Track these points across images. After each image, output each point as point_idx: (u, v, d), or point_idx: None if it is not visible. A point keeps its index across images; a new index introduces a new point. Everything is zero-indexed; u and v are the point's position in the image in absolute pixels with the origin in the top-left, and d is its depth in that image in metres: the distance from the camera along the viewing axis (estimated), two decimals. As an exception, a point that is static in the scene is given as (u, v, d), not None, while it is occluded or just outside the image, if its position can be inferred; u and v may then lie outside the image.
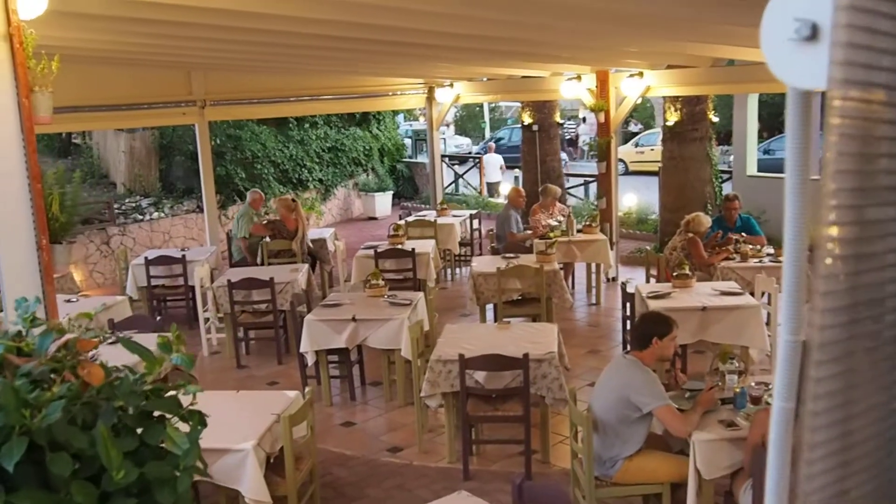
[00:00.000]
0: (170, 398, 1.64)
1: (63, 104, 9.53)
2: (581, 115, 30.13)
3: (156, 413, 1.61)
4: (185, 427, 1.71)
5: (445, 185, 18.06)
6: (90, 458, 1.51)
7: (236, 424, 4.78)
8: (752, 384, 4.93)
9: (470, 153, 28.43)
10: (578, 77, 11.08)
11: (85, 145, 16.77)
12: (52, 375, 1.57)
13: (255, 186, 15.13)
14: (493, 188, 20.11)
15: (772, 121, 24.40)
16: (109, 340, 6.12)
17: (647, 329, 4.68)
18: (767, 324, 7.10)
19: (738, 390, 4.73)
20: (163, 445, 1.59)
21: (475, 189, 19.75)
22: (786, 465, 1.27)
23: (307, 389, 5.20)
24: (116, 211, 13.86)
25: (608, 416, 4.58)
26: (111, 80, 10.47)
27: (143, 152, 15.02)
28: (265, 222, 10.82)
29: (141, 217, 14.00)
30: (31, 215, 3.61)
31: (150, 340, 6.41)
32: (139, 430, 1.57)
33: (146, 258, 9.93)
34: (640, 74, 10.38)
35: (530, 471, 5.67)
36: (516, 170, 20.81)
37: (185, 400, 1.75)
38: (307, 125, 17.53)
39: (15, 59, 3.47)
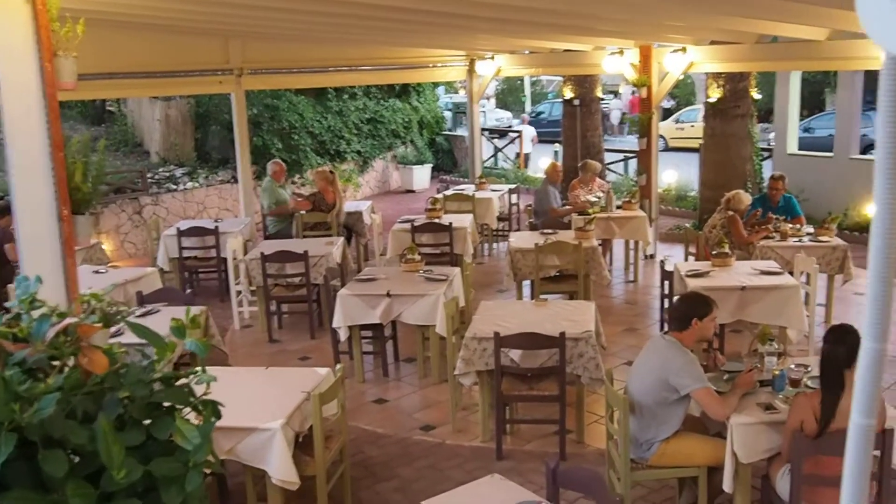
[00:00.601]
0: (180, 387, 1.51)
1: (96, 70, 9.58)
2: (617, 91, 29.60)
3: (165, 404, 1.48)
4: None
5: (485, 158, 17.82)
6: (90, 454, 1.38)
7: (265, 402, 4.70)
8: (792, 366, 4.77)
9: (510, 127, 28.13)
10: (621, 51, 10.78)
11: (119, 113, 16.78)
12: (52, 363, 1.44)
13: (293, 156, 15.09)
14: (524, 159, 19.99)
15: (812, 99, 23.75)
16: (136, 314, 6.03)
17: (687, 309, 4.51)
18: (806, 304, 6.87)
19: (777, 373, 4.57)
20: (172, 440, 1.46)
21: (514, 163, 19.48)
22: (863, 488, 1.11)
23: (338, 367, 5.09)
24: (150, 180, 13.84)
25: (645, 397, 4.43)
26: (146, 47, 10.35)
27: (179, 121, 14.98)
28: (306, 195, 10.72)
29: (175, 187, 13.98)
30: (52, 185, 3.50)
31: (179, 314, 6.39)
32: (146, 423, 1.44)
33: (178, 229, 9.85)
34: (684, 50, 10.06)
35: (565, 451, 5.55)
36: (556, 144, 20.57)
37: (200, 388, 1.62)
38: (346, 96, 17.37)
39: (38, 22, 3.35)
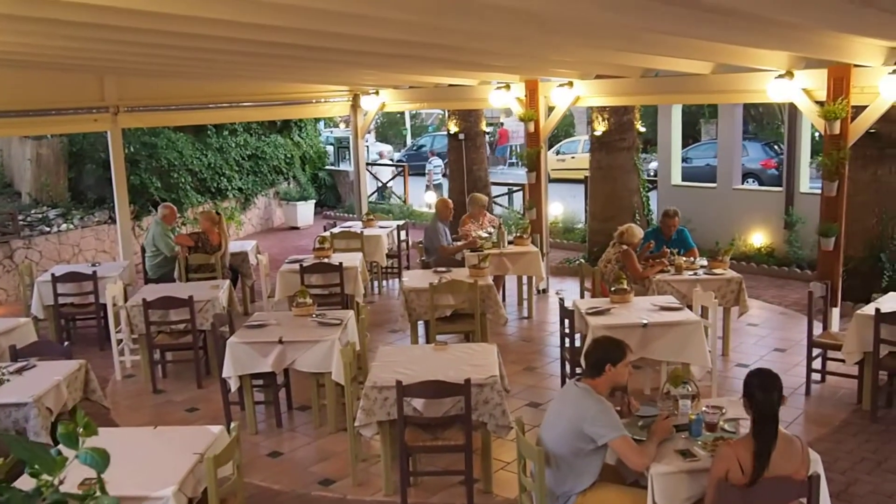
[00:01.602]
0: None
1: (-43, 111, 8.96)
2: (499, 123, 30.16)
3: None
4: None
5: (369, 193, 17.66)
6: None
7: (155, 466, 4.36)
8: (705, 408, 4.76)
9: (392, 160, 28.09)
10: (507, 86, 10.90)
11: (-14, 152, 15.76)
12: None
13: (172, 196, 14.51)
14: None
15: (688, 129, 24.96)
16: (9, 371, 5.54)
17: (601, 355, 4.44)
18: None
19: (693, 417, 4.53)
20: None
21: (399, 198, 19.41)
22: None
23: (233, 425, 4.78)
24: (21, 223, 12.99)
25: (560, 448, 4.32)
26: (16, 84, 9.82)
27: (51, 160, 14.16)
28: (190, 233, 10.29)
29: (48, 229, 13.16)
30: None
31: (57, 369, 5.95)
32: None
33: (53, 274, 9.26)
34: (570, 84, 10.23)
35: (472, 502, 5.38)
36: (440, 178, 20.64)
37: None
38: (226, 132, 16.91)
39: None
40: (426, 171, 22.93)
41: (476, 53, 7.83)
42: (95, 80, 10.89)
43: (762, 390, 3.91)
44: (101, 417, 6.74)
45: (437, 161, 23.37)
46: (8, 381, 5.24)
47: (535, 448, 4.30)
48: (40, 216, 13.48)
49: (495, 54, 8.06)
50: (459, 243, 10.07)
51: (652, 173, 16.75)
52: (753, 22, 5.55)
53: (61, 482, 1.27)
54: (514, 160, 28.94)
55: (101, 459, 1.32)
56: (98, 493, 1.30)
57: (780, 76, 7.97)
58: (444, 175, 21.10)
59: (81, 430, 1.36)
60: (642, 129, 12.79)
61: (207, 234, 9.99)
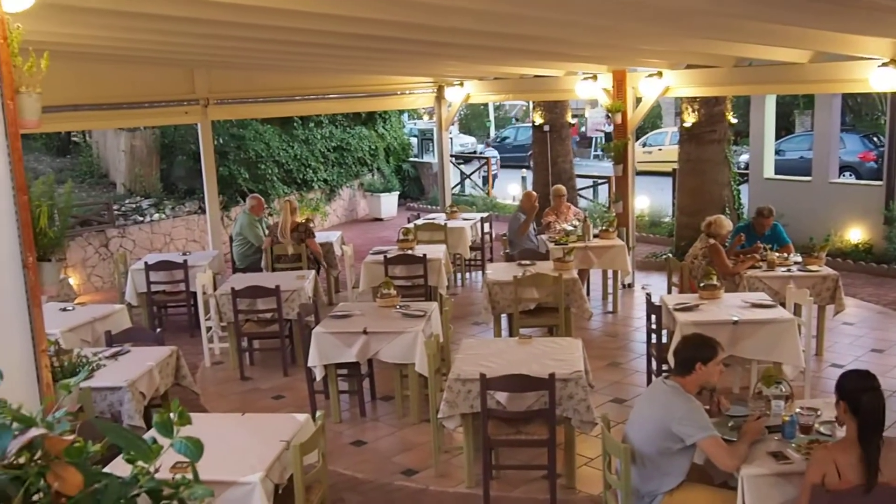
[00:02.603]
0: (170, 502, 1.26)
1: (60, 102, 9.32)
2: (582, 115, 29.78)
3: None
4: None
5: (452, 185, 17.67)
6: None
7: (242, 453, 4.42)
8: (799, 409, 4.57)
9: (474, 152, 28.06)
10: (594, 77, 10.70)
11: (84, 144, 16.38)
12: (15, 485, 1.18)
13: (259, 186, 14.81)
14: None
15: (782, 121, 24.15)
16: (104, 356, 5.72)
17: (691, 353, 4.29)
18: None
19: (787, 418, 4.36)
20: None
21: (482, 189, 19.35)
22: None
23: (318, 413, 4.83)
24: (116, 212, 13.47)
25: (647, 447, 4.21)
26: (111, 78, 10.13)
27: (144, 152, 14.62)
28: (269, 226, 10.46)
29: (141, 218, 13.62)
30: (15, 231, 3.21)
31: (149, 355, 6.11)
32: None
33: (146, 263, 9.56)
34: (660, 74, 9.99)
35: (556, 498, 5.31)
36: (523, 170, 20.50)
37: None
38: (312, 124, 17.15)
39: (-1, 56, 3.10)
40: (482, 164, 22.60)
41: (563, 44, 7.70)
42: (186, 74, 11.17)
43: (868, 393, 3.70)
44: (190, 403, 6.91)
45: (493, 152, 23.18)
46: (104, 365, 5.40)
47: (622, 445, 4.20)
48: (134, 206, 13.94)
49: (582, 44, 7.92)
50: (529, 224, 9.96)
51: (743, 166, 16.25)
52: (855, 7, 5.29)
53: (157, 470, 1.28)
54: (598, 152, 28.56)
55: (195, 449, 1.32)
56: (192, 482, 1.29)
57: (884, 65, 7.58)
58: (500, 167, 20.91)
59: (176, 418, 1.36)
60: (734, 121, 12.40)
61: (282, 223, 10.08)
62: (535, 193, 10.46)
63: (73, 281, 11.65)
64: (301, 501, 4.37)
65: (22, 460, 1.21)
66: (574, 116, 17.69)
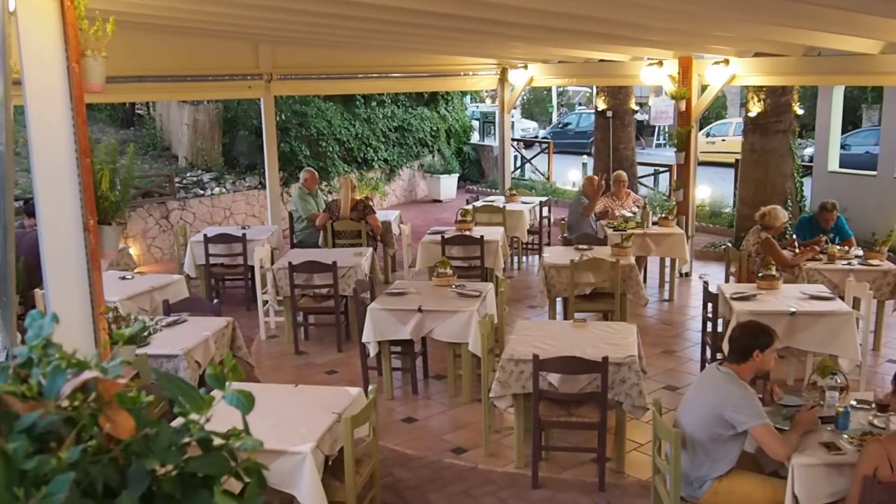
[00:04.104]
0: (220, 455, 1.26)
1: (125, 73, 9.49)
2: (646, 102, 29.24)
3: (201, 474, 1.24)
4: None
5: (512, 169, 17.57)
6: (112, 544, 1.14)
7: (294, 423, 4.48)
8: (853, 402, 4.47)
9: (536, 137, 27.86)
10: (660, 62, 10.51)
11: (148, 116, 16.69)
12: (67, 427, 1.20)
13: (319, 164, 14.92)
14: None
15: (849, 115, 23.46)
16: (162, 324, 5.84)
17: (749, 340, 4.22)
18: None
19: (840, 410, 4.27)
20: None
21: (543, 175, 19.22)
22: None
23: (371, 388, 4.86)
24: (177, 185, 13.71)
25: (698, 433, 4.16)
26: (175, 50, 10.25)
27: (207, 125, 14.84)
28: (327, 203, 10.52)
29: (202, 192, 13.83)
30: (78, 193, 3.27)
31: (206, 325, 6.22)
32: (179, 498, 1.20)
33: (205, 235, 9.71)
34: (726, 62, 9.76)
35: (604, 482, 5.27)
36: (584, 156, 20.29)
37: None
38: (374, 103, 17.20)
39: (65, 19, 3.13)
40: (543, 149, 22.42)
41: (630, 27, 7.55)
42: (251, 48, 11.25)
43: None
44: (245, 375, 7.03)
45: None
46: (160, 330, 5.51)
47: (673, 430, 4.15)
48: (195, 179, 14.16)
49: (650, 28, 7.75)
50: (594, 205, 9.88)
51: (807, 159, 15.83)
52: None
53: (208, 420, 1.29)
54: (661, 141, 28.10)
55: (246, 401, 1.33)
56: (242, 433, 1.30)
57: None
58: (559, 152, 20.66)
59: (229, 372, 1.38)
60: (800, 112, 12.05)
61: (342, 201, 10.13)
62: (597, 177, 10.35)
63: (133, 251, 11.89)
64: (351, 474, 4.42)
65: (76, 403, 1.23)
66: (638, 104, 17.43)
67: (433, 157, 18.71)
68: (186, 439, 1.25)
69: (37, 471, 1.10)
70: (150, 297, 7.43)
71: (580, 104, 36.82)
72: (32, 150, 3.30)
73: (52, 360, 1.26)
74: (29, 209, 7.43)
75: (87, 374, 1.24)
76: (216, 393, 1.38)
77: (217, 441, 1.27)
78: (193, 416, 1.29)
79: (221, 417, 1.39)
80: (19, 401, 1.21)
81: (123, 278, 7.78)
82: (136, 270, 9.20)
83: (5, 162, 2.97)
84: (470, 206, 11.25)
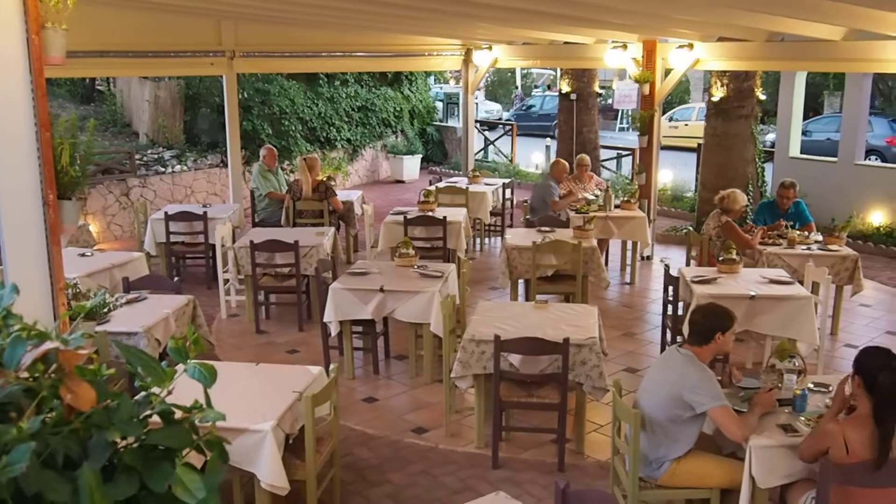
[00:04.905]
0: (182, 428, 1.26)
1: (86, 48, 9.31)
2: (609, 86, 29.41)
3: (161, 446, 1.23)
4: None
5: (476, 151, 17.55)
6: (72, 511, 1.13)
7: (255, 401, 4.47)
8: (811, 385, 4.57)
9: (500, 119, 27.86)
10: (624, 46, 10.56)
11: (109, 93, 16.38)
12: (28, 397, 1.19)
13: (282, 143, 14.79)
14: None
15: (810, 101, 23.78)
16: (122, 301, 5.77)
17: (710, 323, 4.28)
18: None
19: (798, 392, 4.35)
20: (170, 491, 1.21)
21: (506, 157, 19.25)
22: None
23: (332, 367, 4.85)
24: (138, 162, 13.50)
25: (657, 413, 4.22)
26: (137, 26, 10.09)
27: (168, 102, 14.61)
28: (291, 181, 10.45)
29: (163, 169, 13.64)
30: (37, 167, 3.22)
31: (166, 303, 6.15)
32: (140, 469, 1.19)
33: (166, 213, 9.58)
34: (690, 46, 9.84)
35: (563, 462, 5.34)
36: (548, 139, 20.37)
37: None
38: (337, 83, 17.06)
39: (24, -10, 3.09)
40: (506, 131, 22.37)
41: (594, 9, 7.57)
42: (213, 25, 11.10)
43: (886, 371, 3.67)
44: (205, 353, 6.97)
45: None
46: (120, 307, 5.44)
47: (632, 411, 4.20)
48: (156, 157, 13.96)
49: (616, 10, 7.78)
50: (567, 197, 9.91)
51: (769, 145, 16.03)
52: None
53: (169, 393, 1.28)
54: (624, 125, 28.28)
55: (208, 374, 1.32)
56: (204, 407, 1.30)
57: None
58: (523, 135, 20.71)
59: (191, 345, 1.37)
60: (762, 97, 12.20)
61: (301, 181, 10.06)
62: (564, 161, 10.39)
63: (93, 228, 11.72)
64: (311, 452, 4.42)
65: (36, 374, 1.22)
66: (602, 87, 17.49)
67: (396, 137, 18.63)
68: (148, 412, 1.25)
69: None
70: (110, 275, 7.32)
71: (537, 87, 36.79)
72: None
73: (12, 330, 1.25)
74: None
75: (48, 345, 1.23)
76: (179, 368, 1.37)
77: (178, 414, 1.27)
78: (155, 390, 1.28)
79: (183, 392, 1.38)
80: None
81: (83, 255, 7.67)
82: (95, 248, 9.06)
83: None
84: (433, 187, 11.24)
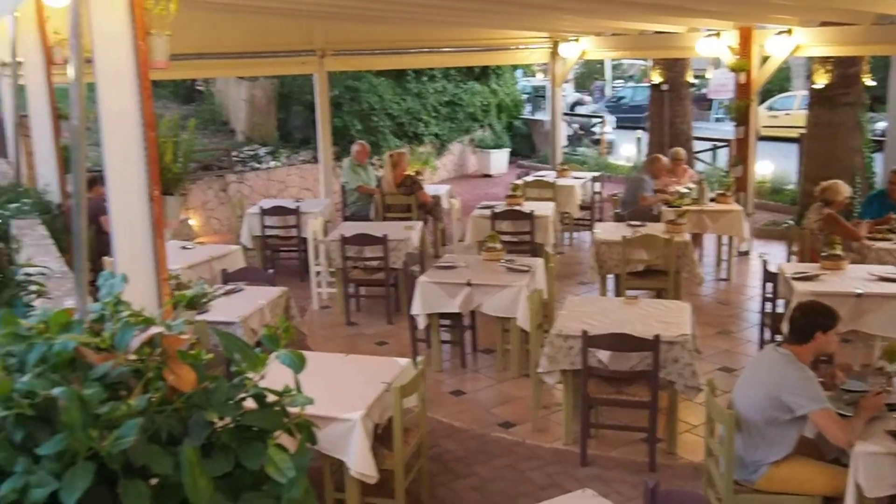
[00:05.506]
0: (274, 409, 1.32)
1: (185, 51, 9.62)
2: (703, 75, 28.62)
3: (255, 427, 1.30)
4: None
5: (564, 144, 17.40)
6: (174, 484, 1.20)
7: (345, 391, 4.54)
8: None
9: (594, 113, 27.54)
10: (718, 34, 10.27)
11: (208, 92, 16.95)
12: (136, 378, 1.27)
13: (371, 139, 14.98)
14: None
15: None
16: (220, 293, 5.97)
17: (811, 320, 4.10)
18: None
19: (909, 397, 4.14)
20: (262, 470, 1.28)
21: (597, 149, 19.02)
22: None
23: (419, 359, 4.90)
24: (235, 159, 13.94)
25: (754, 415, 4.07)
26: (234, 29, 10.43)
27: (263, 101, 15.01)
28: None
29: (258, 165, 14.04)
30: (143, 165, 3.37)
31: (261, 294, 6.31)
32: (235, 448, 1.26)
33: (261, 208, 9.87)
34: (789, 32, 9.49)
35: (654, 462, 5.24)
36: (639, 131, 20.02)
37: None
38: (425, 78, 17.17)
39: (132, 1, 3.23)
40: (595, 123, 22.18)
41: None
42: (305, 25, 11.36)
43: None
44: (297, 344, 7.13)
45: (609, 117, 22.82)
46: (218, 296, 5.62)
47: (727, 412, 4.08)
48: (252, 153, 14.37)
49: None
50: (658, 195, 9.70)
51: (879, 133, 15.30)
52: None
53: (262, 378, 1.34)
54: (720, 115, 27.57)
55: (298, 360, 1.38)
56: (294, 392, 1.35)
57: None
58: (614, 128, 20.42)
59: (282, 332, 1.42)
60: (871, 84, 11.62)
61: (386, 176, 10.21)
62: (661, 156, 10.18)
63: (194, 222, 12.15)
64: (399, 442, 4.46)
65: (143, 356, 1.30)
66: (696, 77, 17.07)
67: (484, 131, 18.63)
68: (242, 395, 1.31)
69: (109, 415, 1.20)
70: (210, 267, 7.57)
71: (635, 77, 36.10)
72: (102, 124, 3.43)
73: (122, 316, 1.34)
74: (95, 178, 7.66)
75: (154, 330, 1.31)
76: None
77: (271, 397, 1.33)
78: (250, 374, 1.34)
79: (275, 379, 1.43)
80: (94, 352, 1.29)
81: (184, 248, 7.99)
82: (196, 241, 9.40)
83: (79, 136, 3.09)
84: (520, 181, 11.20)
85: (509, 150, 18.68)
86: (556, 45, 13.84)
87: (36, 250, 4.05)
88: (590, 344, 5.15)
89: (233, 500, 1.23)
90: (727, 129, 16.69)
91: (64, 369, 1.29)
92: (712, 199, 9.56)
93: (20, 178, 7.71)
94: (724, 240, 9.84)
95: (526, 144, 19.71)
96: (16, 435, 1.20)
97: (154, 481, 1.22)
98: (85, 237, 3.02)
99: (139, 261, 3.46)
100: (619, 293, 7.86)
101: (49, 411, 1.20)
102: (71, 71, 3.09)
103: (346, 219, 10.52)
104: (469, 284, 6.71)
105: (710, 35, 10.35)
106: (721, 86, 11.36)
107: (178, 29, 4.01)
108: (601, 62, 34.07)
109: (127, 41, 3.33)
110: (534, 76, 29.37)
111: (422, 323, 6.83)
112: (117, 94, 3.37)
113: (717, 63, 13.13)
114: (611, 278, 8.39)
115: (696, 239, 9.46)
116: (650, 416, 5.18)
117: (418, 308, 6.78)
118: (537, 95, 24.95)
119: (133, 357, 1.30)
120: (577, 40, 13.34)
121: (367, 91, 15.75)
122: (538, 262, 7.23)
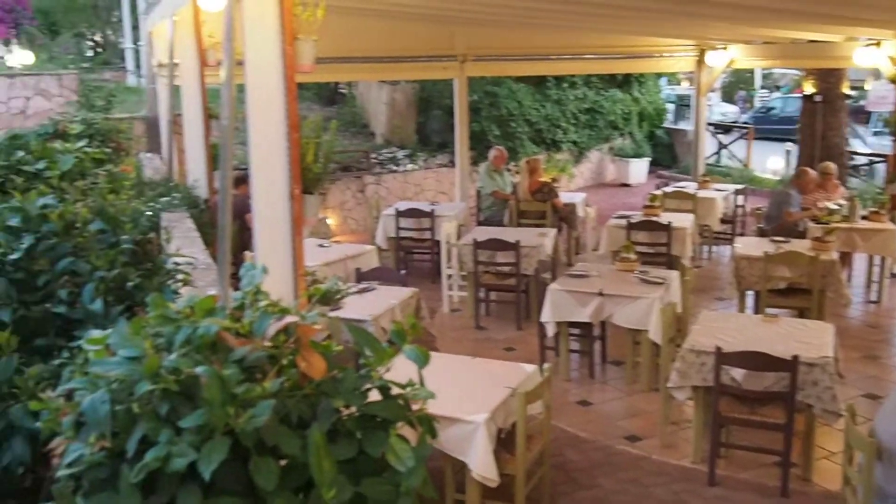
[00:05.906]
0: (397, 401, 1.38)
1: (330, 54, 9.98)
2: (862, 87, 27.09)
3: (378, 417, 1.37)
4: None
5: (708, 155, 16.88)
6: (300, 465, 1.28)
7: (470, 393, 4.60)
8: None
9: (735, 122, 26.59)
10: (878, 43, 9.72)
11: (349, 95, 17.48)
12: (270, 363, 1.37)
13: (508, 144, 15.03)
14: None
15: None
16: (353, 291, 6.16)
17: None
18: None
19: None
20: (383, 458, 1.34)
21: (740, 161, 18.35)
22: None
23: (546, 366, 4.90)
24: (373, 160, 14.33)
25: (897, 444, 3.83)
26: (377, 33, 10.69)
27: (403, 104, 15.35)
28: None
29: (396, 168, 14.38)
30: (286, 164, 3.56)
31: (393, 294, 6.47)
32: (359, 436, 1.33)
33: (397, 210, 10.10)
34: (961, 40, 8.87)
35: (787, 487, 5.03)
36: (788, 143, 19.17)
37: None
38: (565, 85, 17.06)
39: (282, 6, 3.41)
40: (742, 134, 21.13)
41: (848, 5, 7.03)
42: (446, 31, 11.52)
43: None
44: (426, 344, 7.25)
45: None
46: (352, 293, 5.81)
47: (867, 439, 3.86)
48: (390, 156, 14.73)
49: (875, 6, 7.17)
50: (805, 211, 9.26)
51: None
52: None
53: (387, 370, 1.41)
54: (878, 128, 26.03)
55: (422, 356, 1.44)
56: (417, 385, 1.41)
57: None
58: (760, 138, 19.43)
59: (409, 329, 1.49)
60: None
61: (521, 183, 10.22)
62: (811, 170, 9.73)
63: (331, 221, 12.57)
64: (522, 448, 4.48)
65: (278, 343, 1.40)
66: (852, 88, 16.20)
67: (624, 140, 18.33)
68: (368, 385, 1.38)
69: (245, 395, 1.30)
70: (345, 265, 7.83)
71: (785, 88, 34.58)
72: (250, 124, 3.64)
73: (260, 305, 1.44)
74: (241, 177, 8.08)
75: (289, 319, 1.40)
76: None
77: (395, 390, 1.39)
78: (376, 368, 1.42)
79: (401, 375, 1.49)
80: (234, 337, 1.39)
81: (321, 246, 8.28)
82: (332, 239, 9.73)
83: (228, 135, 3.29)
84: (659, 192, 10.97)
85: (649, 159, 18.31)
86: (702, 53, 13.46)
87: (183, 242, 4.32)
88: (723, 361, 5.00)
89: (355, 484, 1.31)
90: (886, 144, 15.74)
91: (206, 350, 1.40)
92: (864, 217, 9.05)
93: (172, 173, 8.22)
94: (876, 260, 9.29)
95: (667, 154, 19.25)
96: (161, 408, 1.32)
97: (283, 463, 1.31)
98: (229, 231, 3.21)
99: (278, 255, 3.65)
100: (758, 311, 7.57)
101: (192, 388, 1.32)
102: (223, 73, 3.30)
103: (479, 223, 10.61)
104: (601, 294, 6.65)
105: (869, 44, 9.82)
106: (881, 98, 10.75)
107: (324, 33, 4.18)
108: (751, 71, 32.86)
109: (276, 45, 3.52)
110: (678, 84, 28.62)
111: (551, 330, 6.82)
112: (265, 95, 3.56)
113: (876, 74, 12.44)
114: (750, 295, 8.09)
115: (845, 258, 8.99)
116: (785, 439, 4.98)
117: (548, 315, 6.76)
118: (681, 104, 24.29)
119: (269, 343, 1.40)
120: (724, 48, 12.94)
121: (506, 97, 15.82)
122: (673, 275, 7.07)
